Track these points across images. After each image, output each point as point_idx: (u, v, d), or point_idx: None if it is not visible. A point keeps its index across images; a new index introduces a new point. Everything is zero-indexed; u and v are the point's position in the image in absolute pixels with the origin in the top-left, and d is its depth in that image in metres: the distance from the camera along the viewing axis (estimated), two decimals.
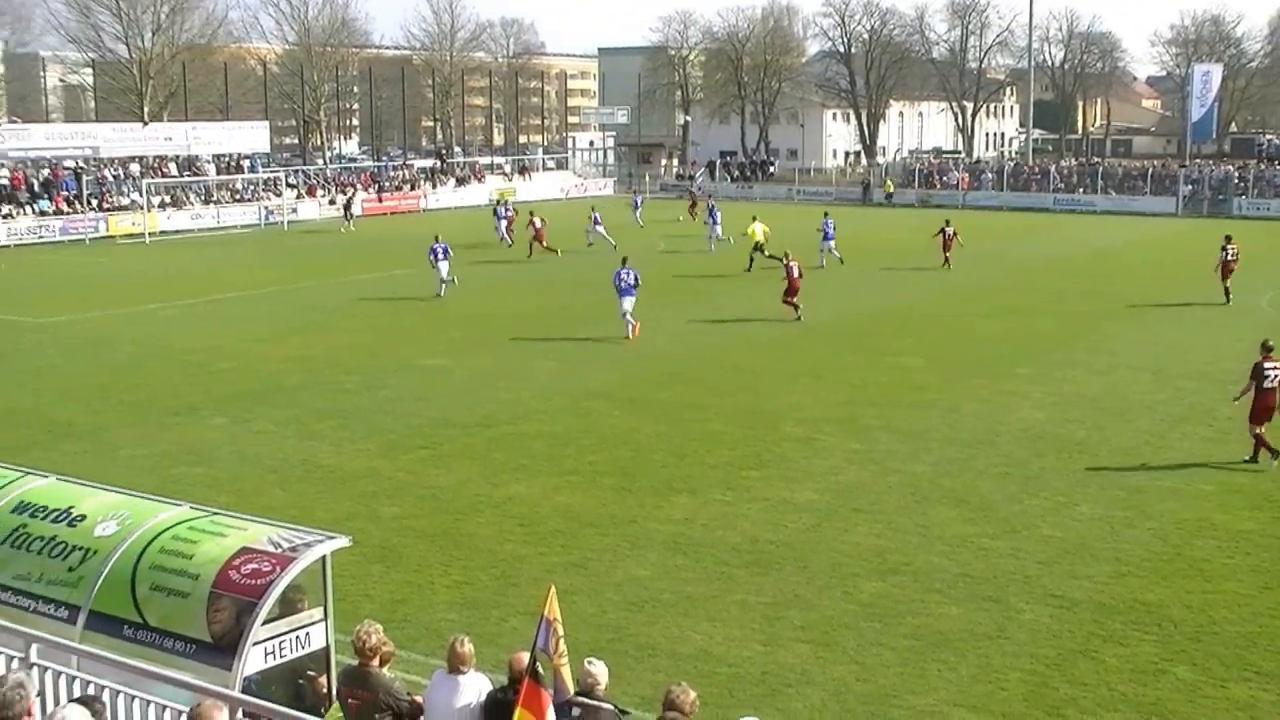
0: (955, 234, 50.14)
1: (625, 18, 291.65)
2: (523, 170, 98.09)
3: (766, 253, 48.47)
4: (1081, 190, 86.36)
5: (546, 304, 39.64)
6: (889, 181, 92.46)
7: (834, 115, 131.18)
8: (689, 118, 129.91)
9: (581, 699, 9.57)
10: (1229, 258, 41.13)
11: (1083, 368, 30.85)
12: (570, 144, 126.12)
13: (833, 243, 50.77)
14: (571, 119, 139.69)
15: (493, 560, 17.59)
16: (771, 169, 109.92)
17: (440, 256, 43.05)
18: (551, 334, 35.41)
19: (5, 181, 67.44)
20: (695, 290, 43.83)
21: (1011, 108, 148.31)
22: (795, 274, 37.52)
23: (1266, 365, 22.12)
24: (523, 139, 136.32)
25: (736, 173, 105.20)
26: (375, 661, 10.22)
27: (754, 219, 51.17)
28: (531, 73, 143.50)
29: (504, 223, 60.14)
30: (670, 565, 17.34)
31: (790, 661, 14.30)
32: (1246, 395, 22.38)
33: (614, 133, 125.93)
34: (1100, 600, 16.08)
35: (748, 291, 43.58)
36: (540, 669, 8.95)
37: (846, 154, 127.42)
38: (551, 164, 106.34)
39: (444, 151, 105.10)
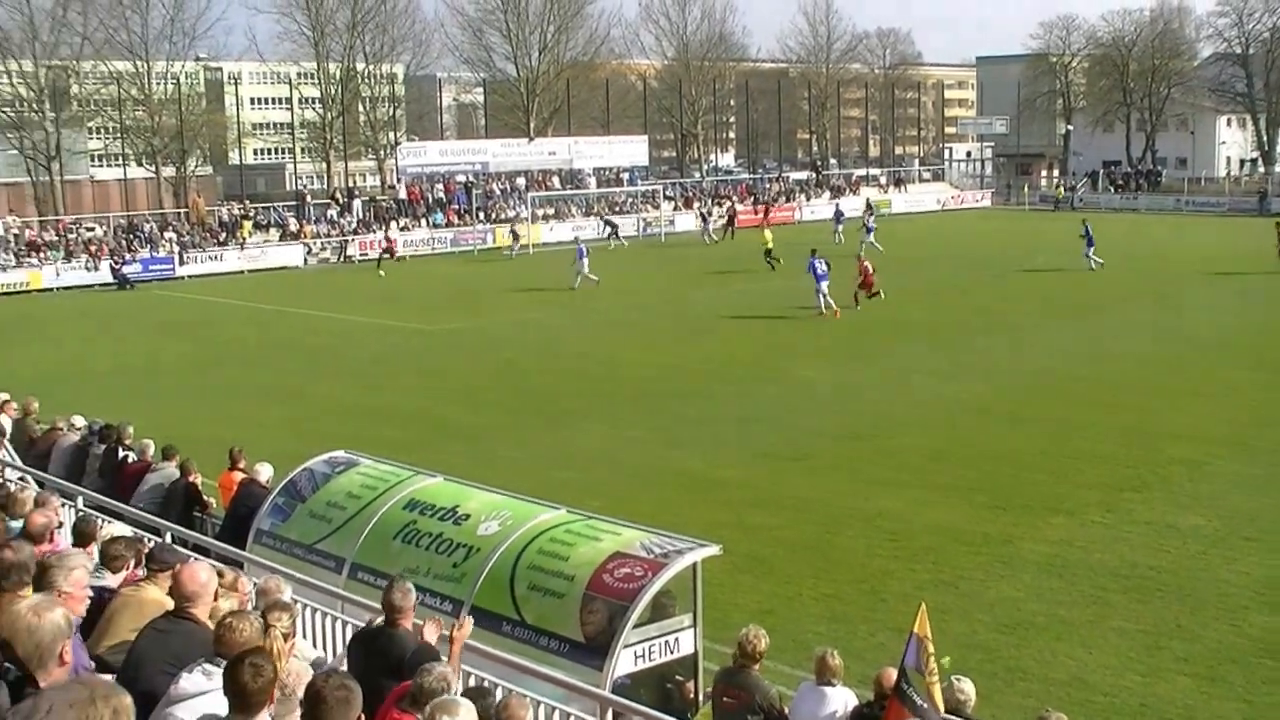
0: None
1: (1005, 25, 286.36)
2: (898, 182, 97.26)
3: (775, 257, 53.35)
4: None
5: (928, 315, 38.98)
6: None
7: (1228, 121, 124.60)
8: (1070, 126, 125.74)
9: (950, 717, 9.36)
10: None
11: None
12: (947, 155, 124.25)
13: (1094, 249, 51.19)
14: (948, 129, 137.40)
15: (861, 575, 17.45)
16: (1159, 179, 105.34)
17: (580, 255, 49.36)
18: (931, 345, 34.93)
19: (404, 196, 71.64)
20: (1074, 305, 42.41)
21: None
22: (869, 271, 41.73)
23: None
24: (898, 150, 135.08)
25: (1120, 183, 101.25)
26: (755, 665, 10.31)
27: (766, 228, 59.45)
28: (908, 83, 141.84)
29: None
30: (1044, 587, 16.81)
31: (1171, 695, 13.62)
32: None
33: (992, 143, 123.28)
34: None
35: (1127, 308, 41.96)
36: (912, 687, 8.76)
37: (1242, 162, 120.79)
38: (928, 175, 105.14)
39: (819, 163, 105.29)
